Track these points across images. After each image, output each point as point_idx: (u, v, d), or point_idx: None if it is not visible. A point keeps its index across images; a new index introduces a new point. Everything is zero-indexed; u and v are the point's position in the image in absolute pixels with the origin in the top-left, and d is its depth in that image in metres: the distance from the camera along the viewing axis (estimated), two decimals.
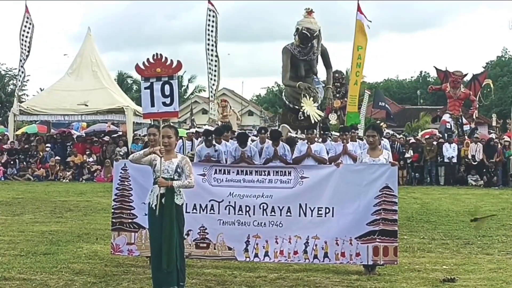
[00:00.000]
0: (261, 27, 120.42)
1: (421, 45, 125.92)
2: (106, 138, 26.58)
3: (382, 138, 10.22)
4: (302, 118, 13.97)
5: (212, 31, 24.97)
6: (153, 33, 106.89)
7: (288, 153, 12.23)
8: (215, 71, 25.34)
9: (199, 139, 18.39)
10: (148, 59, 6.96)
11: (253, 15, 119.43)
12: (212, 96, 25.48)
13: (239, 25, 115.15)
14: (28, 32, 26.40)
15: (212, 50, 25.03)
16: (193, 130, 21.03)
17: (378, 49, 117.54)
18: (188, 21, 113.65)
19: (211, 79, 25.52)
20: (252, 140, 13.76)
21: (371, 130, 8.39)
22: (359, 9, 21.91)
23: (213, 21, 25.04)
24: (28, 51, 26.54)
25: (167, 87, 6.94)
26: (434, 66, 33.07)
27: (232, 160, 12.02)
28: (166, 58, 6.95)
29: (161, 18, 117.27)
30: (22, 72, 26.93)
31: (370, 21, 22.19)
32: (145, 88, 7.00)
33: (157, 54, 6.99)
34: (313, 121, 12.00)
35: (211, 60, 25.27)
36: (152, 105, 6.99)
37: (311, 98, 12.34)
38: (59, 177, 23.96)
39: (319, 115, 12.15)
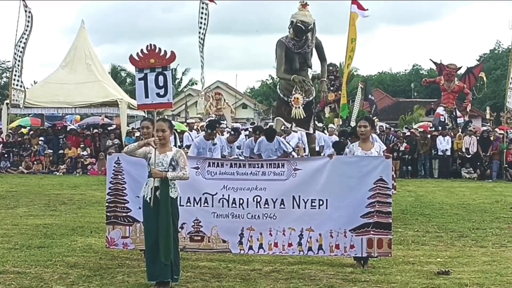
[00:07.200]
0: (255, 19, 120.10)
1: (415, 38, 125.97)
2: (100, 131, 26.50)
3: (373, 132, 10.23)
4: None
5: (204, 23, 24.86)
6: (148, 26, 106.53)
7: (284, 145, 12.28)
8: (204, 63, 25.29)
9: (193, 131, 18.33)
10: (142, 50, 6.94)
11: (248, 7, 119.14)
12: (202, 90, 25.38)
13: (234, 17, 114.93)
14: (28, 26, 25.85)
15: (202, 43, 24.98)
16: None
17: (375, 42, 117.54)
18: (183, 14, 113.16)
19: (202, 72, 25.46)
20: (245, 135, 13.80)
21: (363, 120, 8.40)
22: (353, 1, 21.94)
23: (205, 14, 24.92)
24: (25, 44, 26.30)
25: (161, 78, 6.92)
26: (430, 59, 33.09)
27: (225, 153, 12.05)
28: (160, 49, 6.92)
29: (156, 11, 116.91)
30: (18, 61, 26.57)
31: (367, 15, 22.20)
32: (139, 79, 6.98)
33: (150, 45, 6.96)
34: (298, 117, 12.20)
35: (203, 53, 25.18)
36: (146, 96, 6.97)
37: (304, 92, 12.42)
38: (53, 170, 23.92)
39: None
